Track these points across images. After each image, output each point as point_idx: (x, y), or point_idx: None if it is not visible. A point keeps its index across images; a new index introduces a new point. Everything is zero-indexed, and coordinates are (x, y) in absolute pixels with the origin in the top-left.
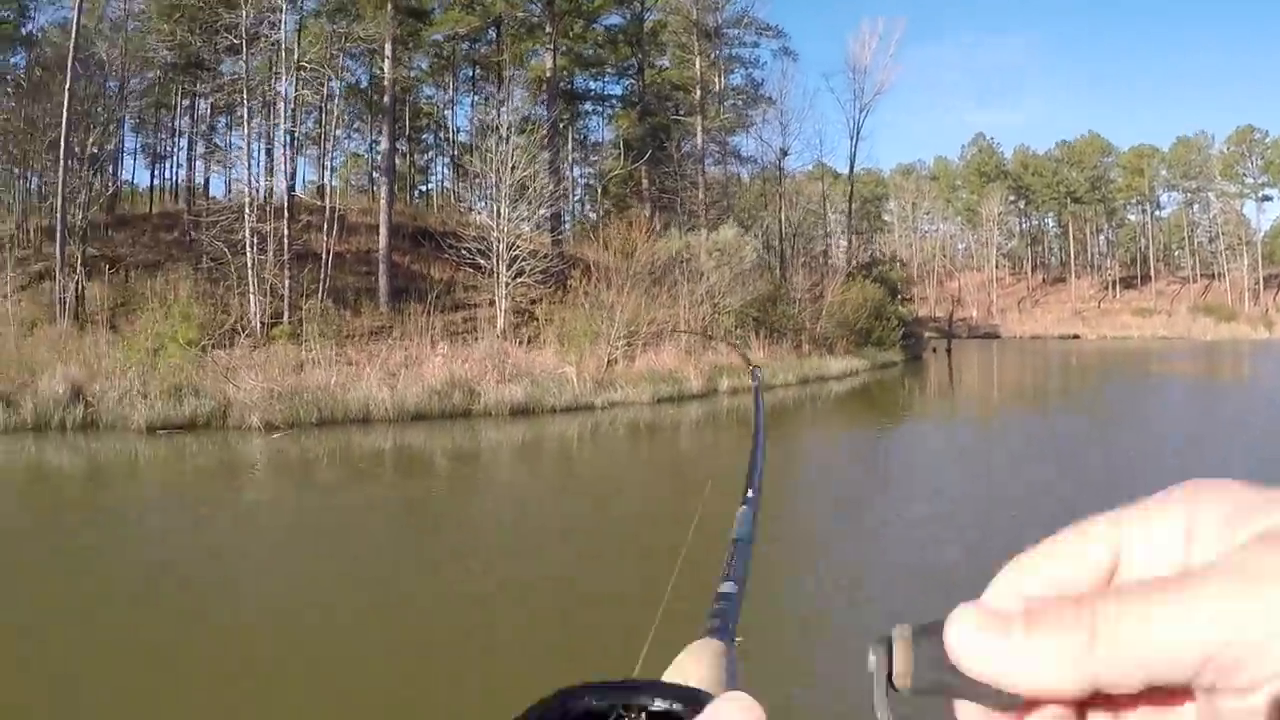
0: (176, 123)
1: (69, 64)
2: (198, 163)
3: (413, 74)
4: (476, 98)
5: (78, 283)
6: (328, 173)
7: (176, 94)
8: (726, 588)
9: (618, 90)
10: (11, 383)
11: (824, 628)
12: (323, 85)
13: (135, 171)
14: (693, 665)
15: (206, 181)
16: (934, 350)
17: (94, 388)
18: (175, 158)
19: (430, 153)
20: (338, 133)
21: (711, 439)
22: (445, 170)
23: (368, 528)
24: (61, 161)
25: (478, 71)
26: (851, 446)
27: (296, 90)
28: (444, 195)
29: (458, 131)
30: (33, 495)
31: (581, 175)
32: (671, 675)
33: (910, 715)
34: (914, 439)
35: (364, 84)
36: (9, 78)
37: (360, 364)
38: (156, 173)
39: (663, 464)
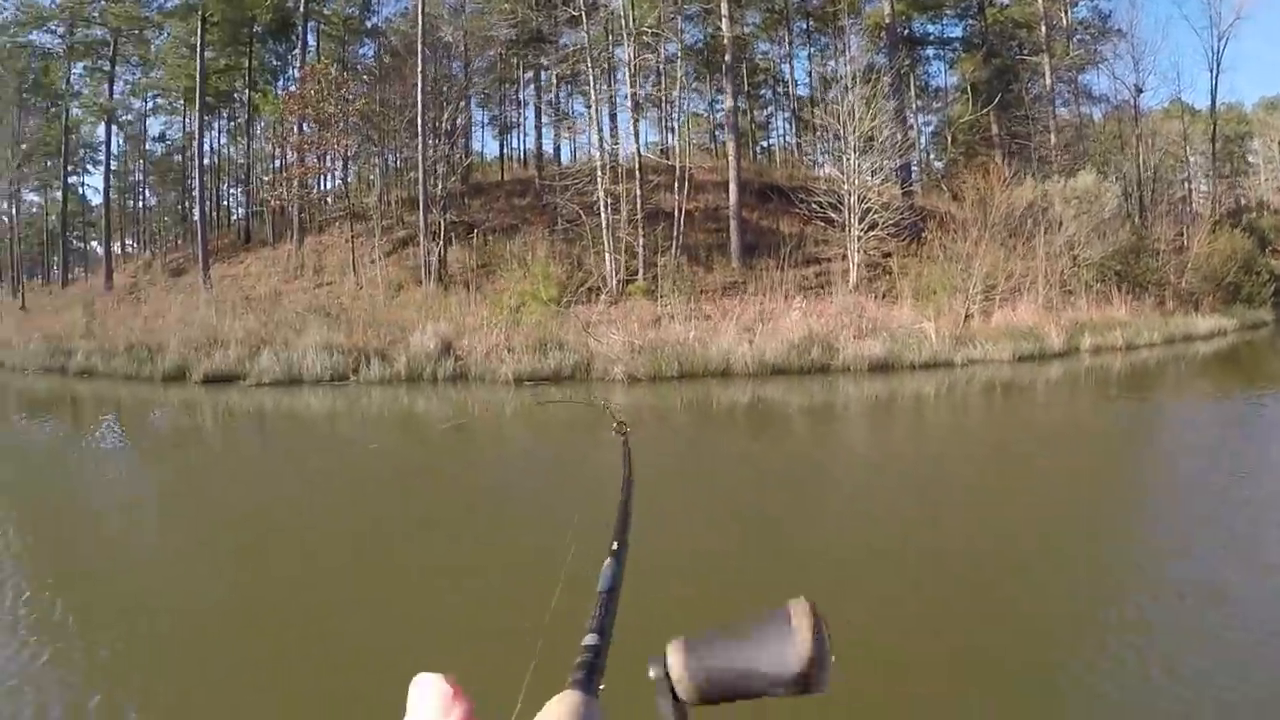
0: (521, 94)
1: (419, 49)
2: (545, 130)
3: (747, 30)
4: (812, 50)
5: (440, 247)
6: (671, 134)
7: (519, 68)
8: (590, 640)
9: (957, 32)
10: (384, 340)
11: None
12: (660, 48)
13: (485, 142)
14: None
15: (556, 148)
16: None
17: (462, 343)
18: (522, 127)
19: (769, 108)
20: (677, 94)
21: (1086, 401)
22: (785, 125)
23: (737, 475)
24: (420, 138)
25: (811, 24)
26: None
27: (636, 56)
28: (785, 150)
29: (795, 85)
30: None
31: (925, 123)
32: None
33: None
34: None
35: (699, 44)
36: (359, 67)
37: (715, 319)
38: (505, 142)
39: (1041, 425)
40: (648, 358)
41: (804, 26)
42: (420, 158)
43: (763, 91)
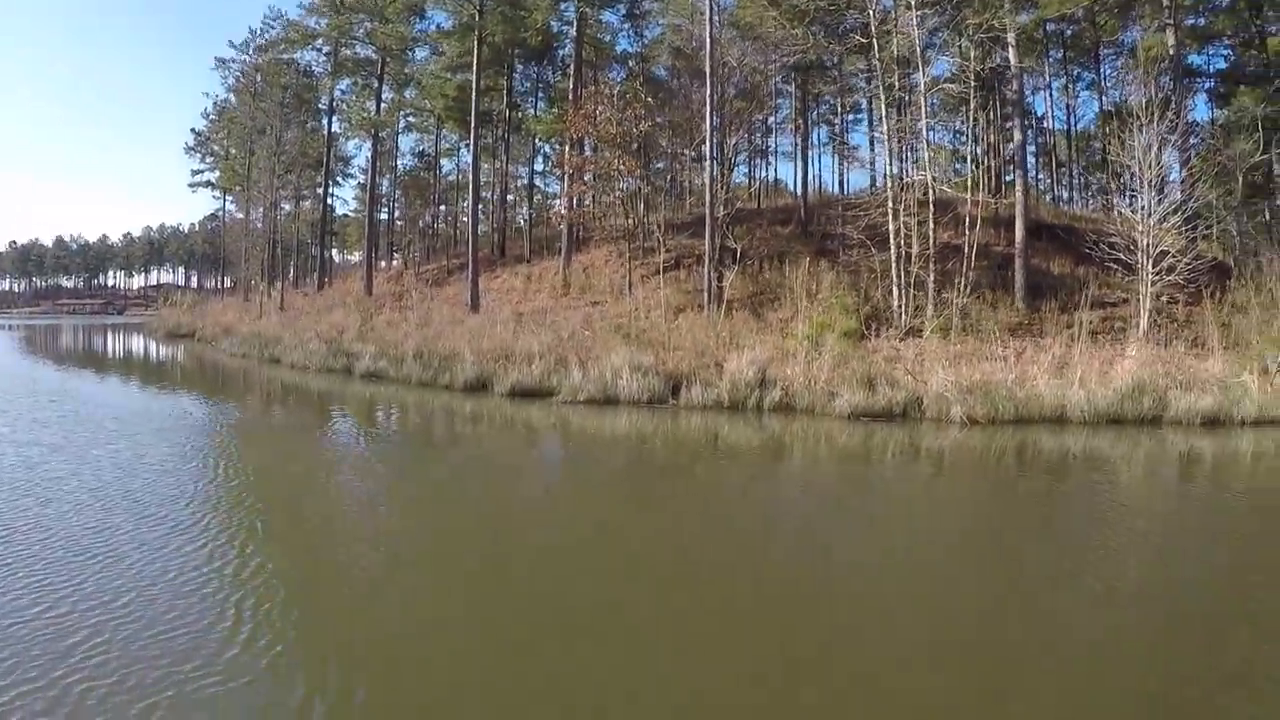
0: (775, 121)
1: (708, 73)
2: (816, 158)
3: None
4: (1068, 81)
5: (719, 272)
6: (937, 169)
7: (797, 95)
8: None
9: (1220, 64)
10: (695, 363)
11: None
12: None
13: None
14: None
15: (819, 177)
16: None
17: (783, 372)
18: (794, 155)
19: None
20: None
21: None
22: (1034, 160)
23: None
24: (709, 160)
25: (1067, 54)
26: None
27: (928, 88)
28: (1035, 186)
29: (1052, 118)
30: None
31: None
32: None
33: None
34: None
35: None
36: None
37: (1012, 361)
38: (755, 169)
39: None
40: (980, 399)
41: (1060, 56)
42: (708, 180)
43: (1008, 125)
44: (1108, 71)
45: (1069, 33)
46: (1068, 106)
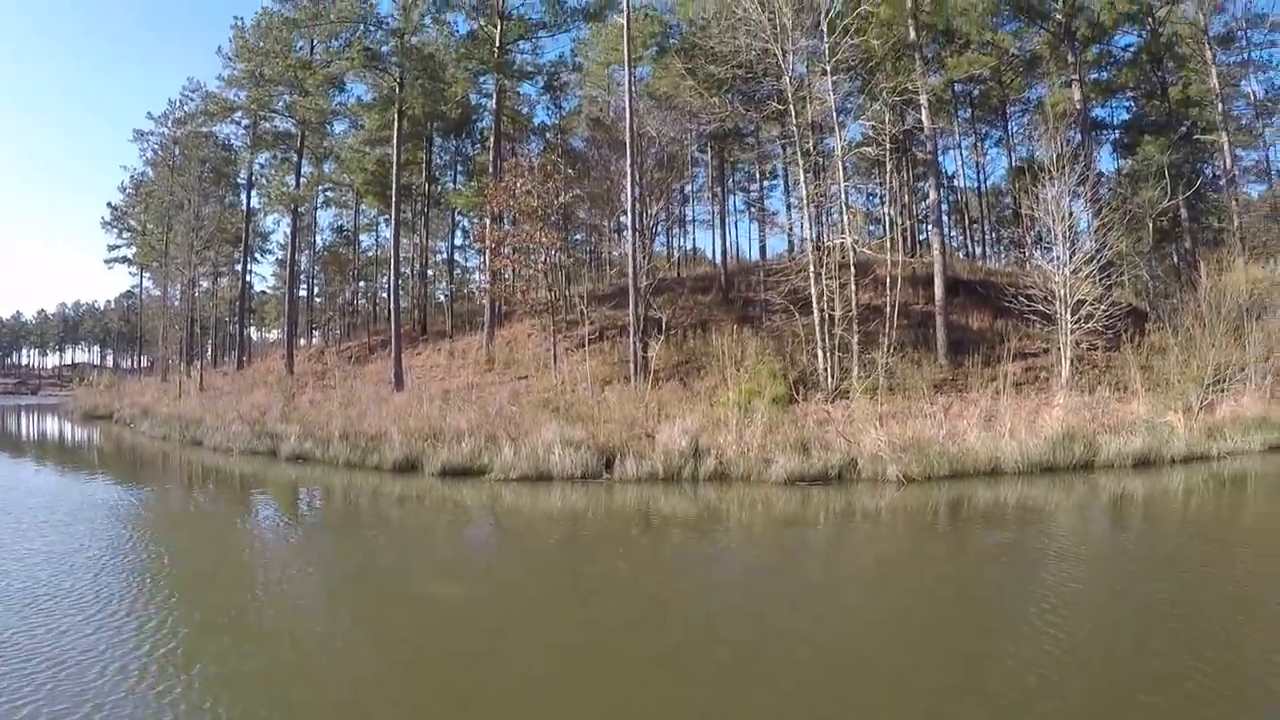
0: (689, 190)
1: (628, 144)
2: (733, 224)
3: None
4: (977, 139)
5: (644, 342)
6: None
7: (714, 163)
8: None
9: (1124, 115)
10: (626, 436)
11: None
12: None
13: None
14: None
15: (762, 244)
16: None
17: (715, 440)
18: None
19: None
20: (858, 185)
21: None
22: (949, 216)
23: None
24: (631, 231)
25: (975, 113)
26: None
27: (844, 152)
28: (954, 242)
29: (960, 177)
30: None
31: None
32: None
33: None
34: None
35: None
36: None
37: (939, 417)
38: (671, 238)
39: None
40: (914, 456)
41: (968, 115)
42: (630, 251)
43: (920, 184)
44: (1014, 128)
45: (976, 92)
46: (977, 164)
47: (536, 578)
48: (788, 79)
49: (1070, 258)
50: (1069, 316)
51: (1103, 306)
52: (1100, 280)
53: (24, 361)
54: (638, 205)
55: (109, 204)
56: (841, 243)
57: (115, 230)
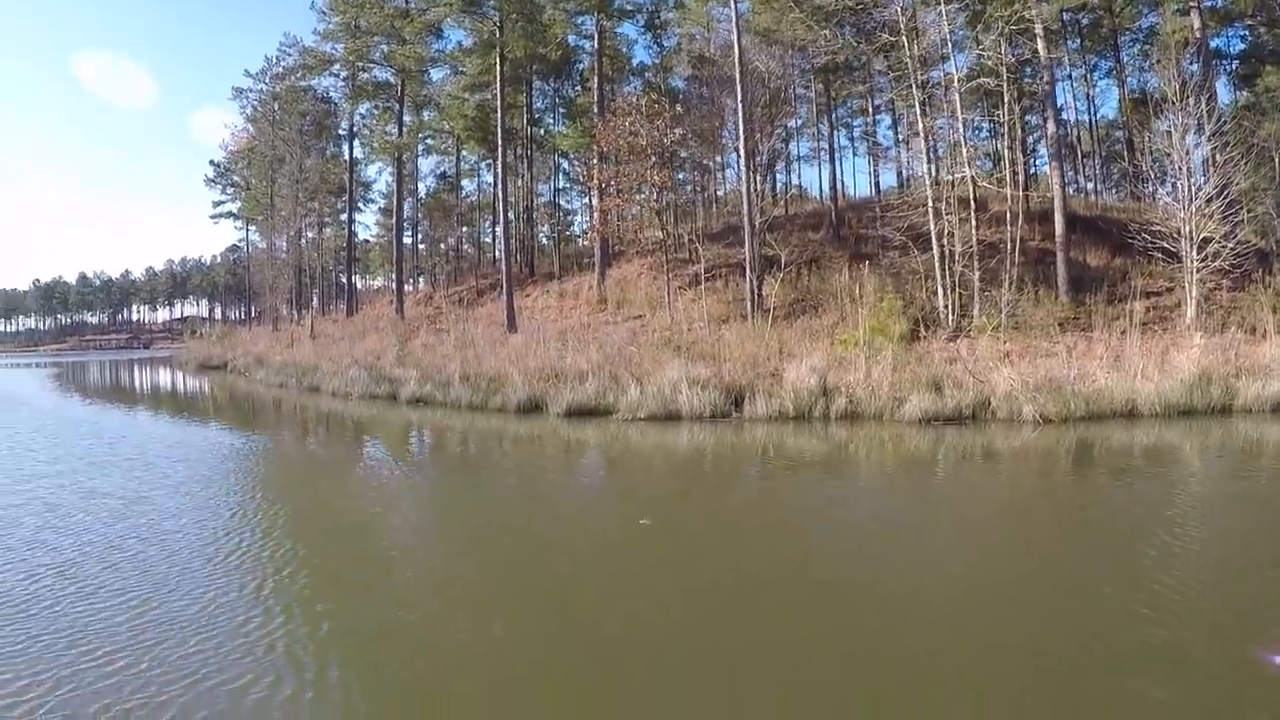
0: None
1: (737, 77)
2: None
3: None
4: (1087, 71)
5: (760, 280)
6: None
7: (820, 98)
8: None
9: (1239, 45)
10: (752, 375)
11: None
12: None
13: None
14: None
15: (874, 180)
16: None
17: (843, 379)
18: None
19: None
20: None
21: None
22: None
23: None
24: (744, 168)
25: (1084, 43)
26: None
27: (962, 84)
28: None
29: (1071, 109)
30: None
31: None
32: None
33: None
34: None
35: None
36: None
37: (1076, 355)
38: (776, 175)
39: None
40: (1049, 396)
41: (1079, 44)
42: (745, 188)
43: (1028, 118)
44: (1125, 58)
45: (1085, 21)
46: (1088, 96)
47: (692, 520)
48: (899, 8)
49: (1195, 194)
50: (1195, 254)
51: (1229, 245)
52: (1228, 217)
53: (135, 317)
54: (749, 141)
55: (211, 161)
56: (962, 177)
57: (219, 186)
